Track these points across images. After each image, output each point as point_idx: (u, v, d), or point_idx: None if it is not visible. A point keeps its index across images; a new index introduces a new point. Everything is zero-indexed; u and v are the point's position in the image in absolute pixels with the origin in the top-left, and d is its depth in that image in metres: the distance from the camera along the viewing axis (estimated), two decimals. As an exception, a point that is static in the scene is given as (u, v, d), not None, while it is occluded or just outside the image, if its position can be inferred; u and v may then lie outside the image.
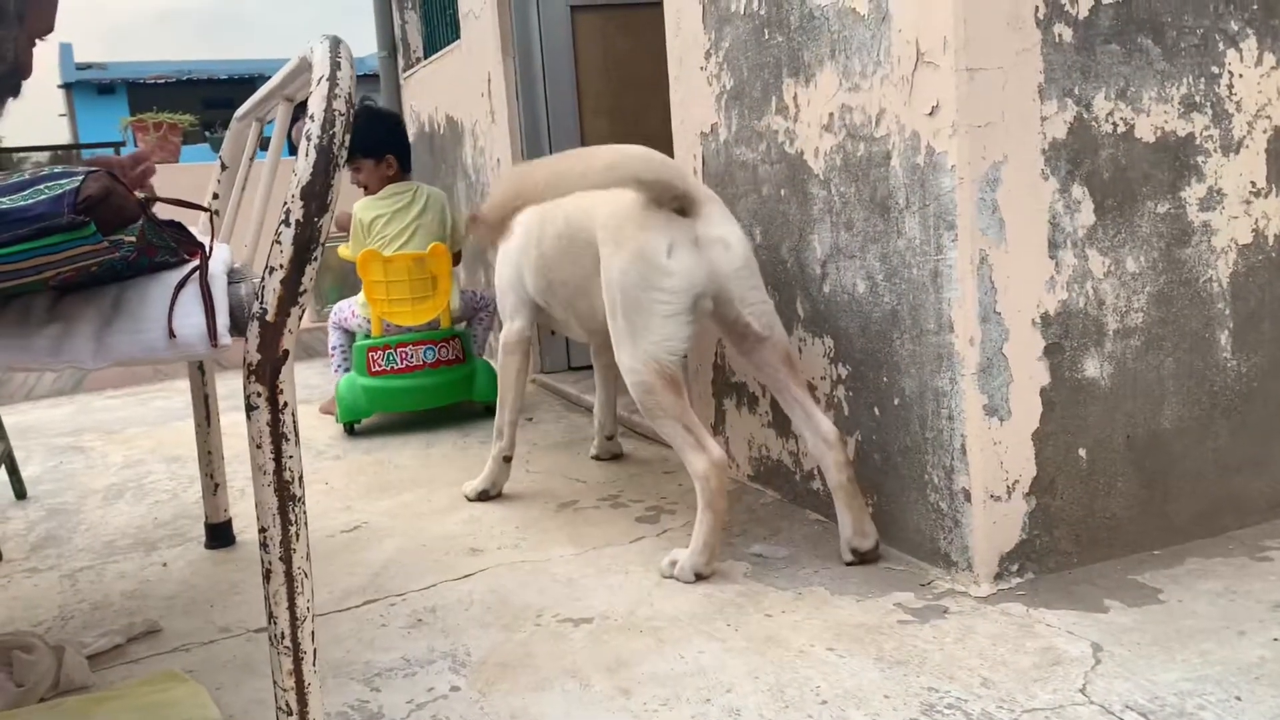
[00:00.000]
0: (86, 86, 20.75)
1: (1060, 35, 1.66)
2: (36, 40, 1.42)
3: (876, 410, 1.91)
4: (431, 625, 1.78)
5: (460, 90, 4.32)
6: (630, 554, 2.05)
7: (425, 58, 5.02)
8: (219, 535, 2.29)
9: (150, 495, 2.80)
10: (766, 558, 1.97)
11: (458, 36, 4.32)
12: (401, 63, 5.30)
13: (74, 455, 3.39)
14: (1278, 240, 1.85)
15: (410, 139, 5.25)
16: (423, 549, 2.18)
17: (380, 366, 3.31)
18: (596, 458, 2.82)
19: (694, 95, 2.42)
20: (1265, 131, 1.82)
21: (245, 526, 2.35)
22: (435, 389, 3.38)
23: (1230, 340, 1.84)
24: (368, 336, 3.39)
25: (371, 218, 3.45)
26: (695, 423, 1.90)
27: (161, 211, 1.22)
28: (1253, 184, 1.82)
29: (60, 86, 20.89)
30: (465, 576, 2.00)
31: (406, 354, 3.33)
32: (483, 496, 2.51)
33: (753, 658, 1.56)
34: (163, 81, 19.95)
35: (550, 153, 3.75)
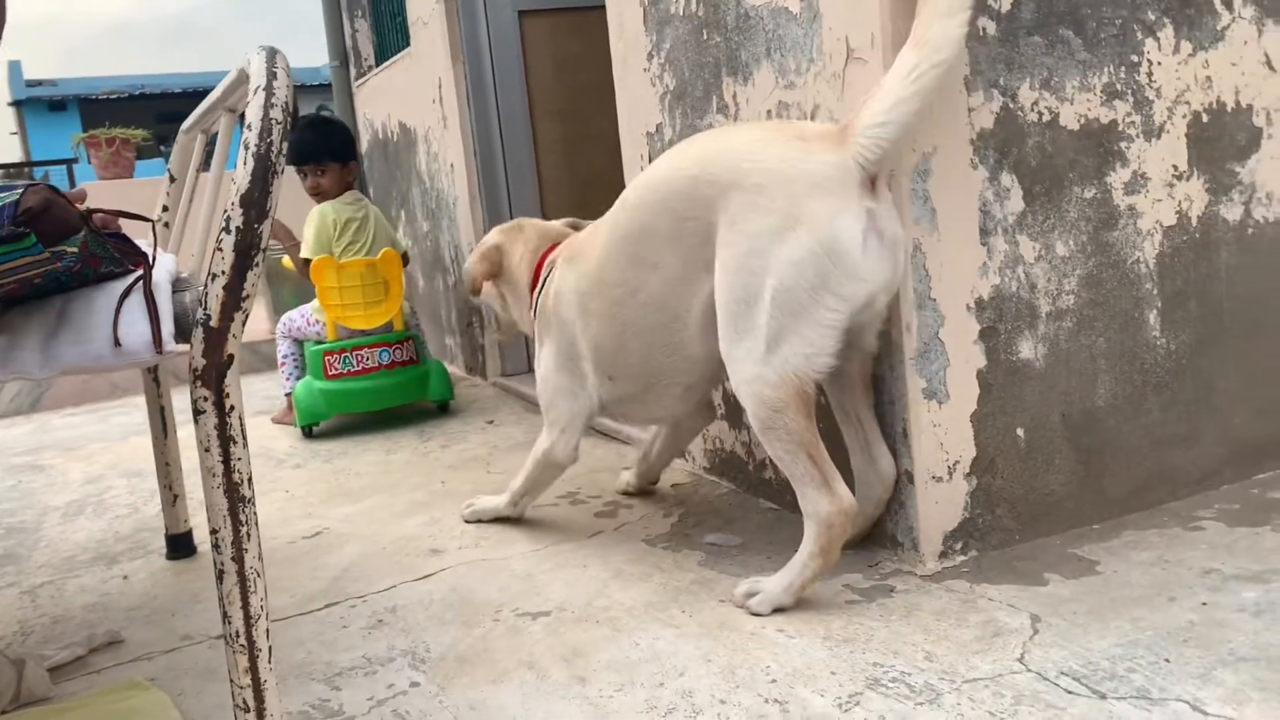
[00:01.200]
0: (37, 104, 20.50)
1: (984, 28, 1.72)
2: None
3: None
4: (392, 625, 1.81)
5: (412, 97, 4.34)
6: (588, 548, 2.09)
7: (377, 66, 5.03)
8: (180, 546, 2.30)
9: (110, 510, 2.80)
10: (721, 546, 2.01)
11: (408, 44, 4.34)
12: (353, 71, 5.31)
13: (33, 474, 3.37)
14: (1200, 221, 1.92)
15: (364, 147, 5.27)
16: (383, 552, 2.20)
17: (337, 369, 3.37)
18: (625, 492, 2.42)
19: (638, 96, 2.46)
20: (1185, 117, 1.89)
21: (206, 537, 2.35)
22: (391, 389, 3.45)
23: (1159, 319, 1.90)
24: (319, 342, 3.44)
25: (346, 218, 3.51)
26: (824, 456, 1.62)
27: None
28: (1174, 168, 1.89)
29: (10, 104, 20.62)
30: (425, 577, 2.02)
31: (362, 356, 3.39)
32: (479, 519, 2.32)
33: (705, 642, 1.60)
34: (115, 96, 19.74)
35: (503, 157, 3.79)
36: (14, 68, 20.51)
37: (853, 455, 1.80)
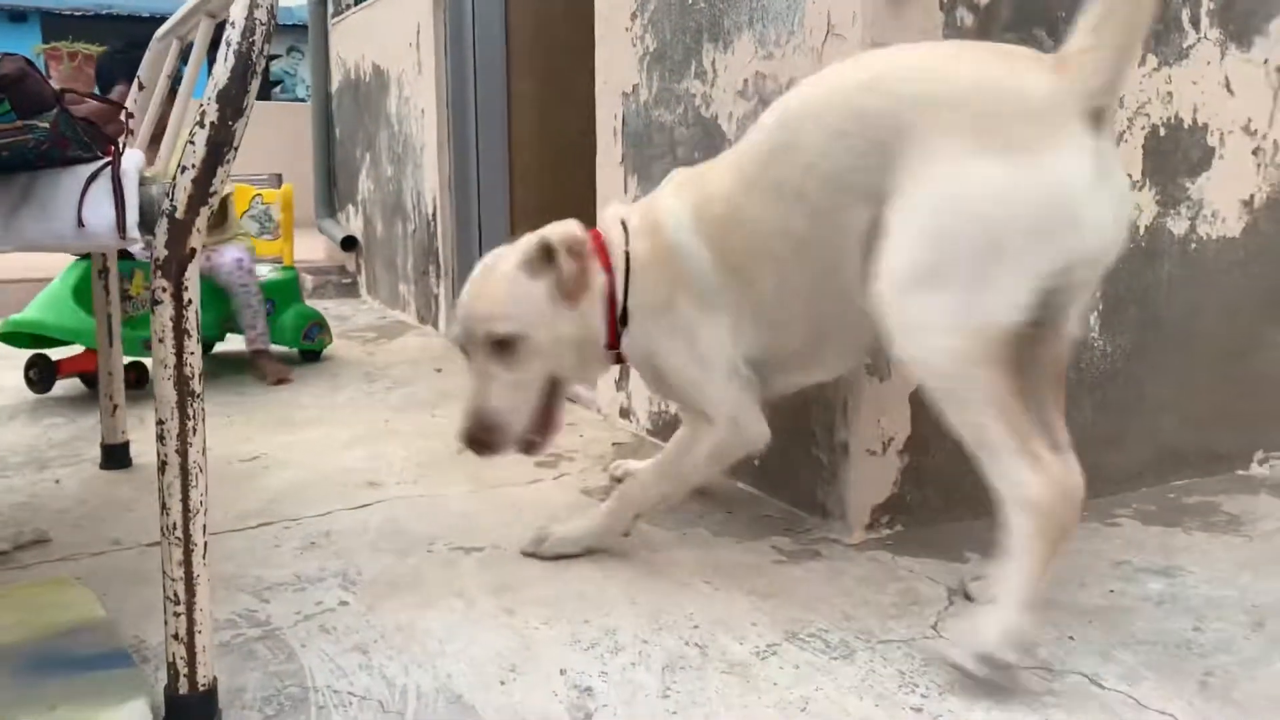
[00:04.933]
0: (-3, 12, 19.87)
1: (962, 19, 1.76)
2: None
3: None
4: (325, 548, 1.82)
5: (389, 39, 4.30)
6: (527, 494, 2.11)
7: (355, 5, 4.97)
8: (115, 456, 2.28)
9: (46, 417, 2.76)
10: (656, 503, 2.04)
11: (390, -15, 4.30)
12: (331, 9, 5.24)
13: (-34, 377, 3.31)
14: (1148, 231, 1.99)
15: (335, 86, 5.21)
16: (322, 480, 2.21)
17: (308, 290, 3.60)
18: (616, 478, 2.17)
19: (618, 56, 2.47)
20: (1143, 128, 1.95)
21: (142, 452, 2.34)
22: None
23: (1098, 322, 1.97)
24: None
25: None
26: (1024, 423, 1.31)
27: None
28: (1129, 176, 1.95)
29: (-32, 10, 19.97)
30: (362, 506, 2.04)
31: None
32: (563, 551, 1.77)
33: (633, 587, 1.63)
34: (80, 14, 19.20)
35: (476, 108, 3.78)
36: (-25, -26, 19.84)
37: None
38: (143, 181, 1.26)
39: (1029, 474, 1.29)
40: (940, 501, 1.87)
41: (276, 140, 6.97)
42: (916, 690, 1.32)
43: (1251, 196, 2.10)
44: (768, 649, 1.43)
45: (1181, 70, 1.96)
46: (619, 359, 1.77)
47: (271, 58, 13.70)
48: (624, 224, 1.73)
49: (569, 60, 3.68)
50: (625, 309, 1.70)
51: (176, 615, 1.20)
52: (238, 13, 1.16)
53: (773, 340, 1.64)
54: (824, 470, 1.86)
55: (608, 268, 1.70)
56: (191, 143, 1.13)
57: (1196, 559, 1.73)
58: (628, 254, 1.69)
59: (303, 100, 10.82)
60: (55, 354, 3.05)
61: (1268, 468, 2.20)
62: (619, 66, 2.47)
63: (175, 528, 1.19)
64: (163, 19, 2.12)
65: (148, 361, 2.99)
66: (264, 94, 12.27)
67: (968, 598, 1.58)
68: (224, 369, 3.38)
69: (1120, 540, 1.82)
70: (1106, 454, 2.02)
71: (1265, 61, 2.05)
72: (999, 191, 1.27)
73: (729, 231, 1.60)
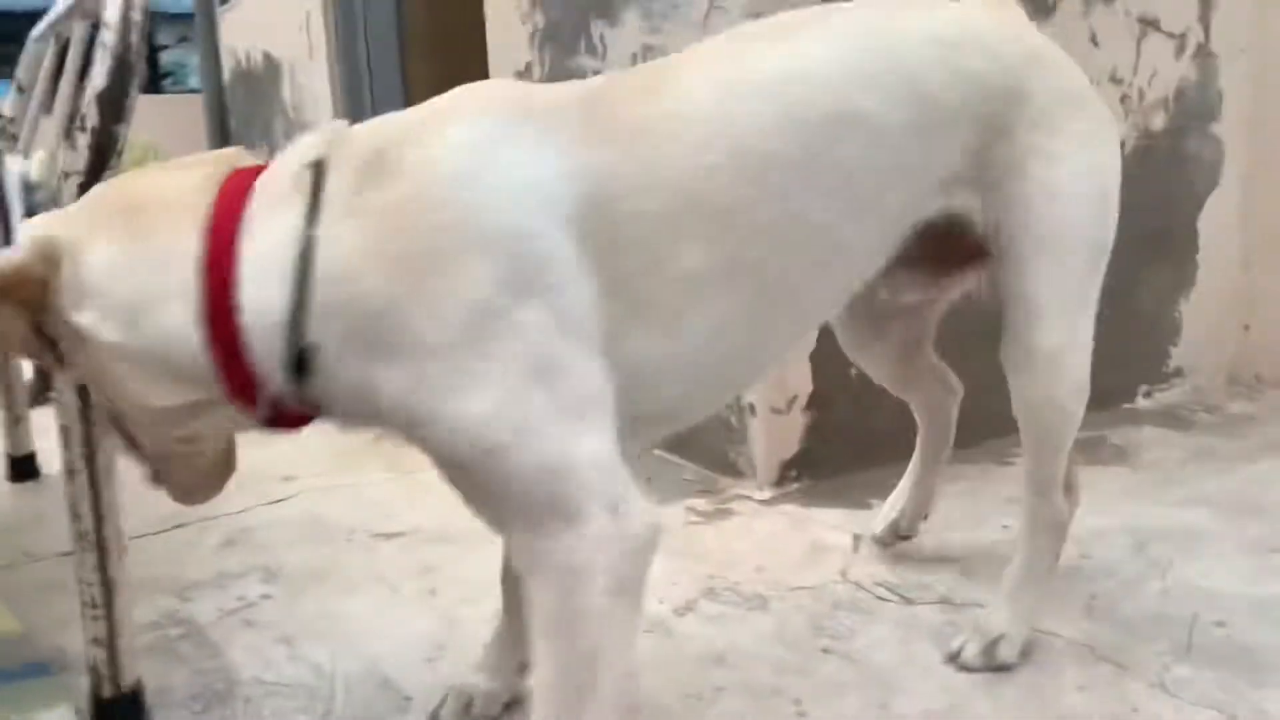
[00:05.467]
0: None
1: (838, -13, 1.81)
2: None
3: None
4: (244, 544, 1.82)
5: (279, 26, 4.23)
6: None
7: (242, -8, 4.87)
8: (22, 468, 2.24)
9: (-55, 434, 2.69)
10: (574, 475, 2.09)
11: (276, -29, 4.22)
12: (217, -3, 5.12)
13: None
14: (1026, 182, 2.08)
15: (227, 77, 5.10)
16: (237, 476, 2.19)
17: None
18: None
19: (510, 34, 2.48)
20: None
21: (50, 461, 2.30)
22: None
23: (985, 271, 2.05)
24: None
25: None
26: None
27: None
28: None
29: None
30: (279, 500, 2.04)
31: None
32: None
33: (554, 559, 1.68)
34: (-50, 11, 18.34)
35: (371, 89, 3.74)
36: None
37: (922, 406, 1.60)
38: (28, 189, 1.25)
39: (1062, 503, 1.34)
40: (845, 453, 1.95)
41: (170, 134, 6.77)
42: (825, 632, 1.38)
43: (1123, 143, 2.19)
44: (686, 606, 1.48)
45: (1049, 27, 2.05)
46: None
47: (160, 48, 13.24)
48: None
49: (464, 40, 3.67)
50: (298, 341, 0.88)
51: (95, 619, 1.21)
52: (112, 14, 1.16)
53: (675, 384, 0.98)
54: (734, 431, 1.92)
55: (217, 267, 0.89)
56: (73, 147, 1.13)
57: (1084, 491, 1.82)
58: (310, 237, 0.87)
59: (197, 91, 10.52)
60: None
61: (1151, 401, 2.33)
62: (511, 45, 2.48)
63: (88, 534, 1.19)
64: (37, 13, 2.06)
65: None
66: (154, 87, 11.88)
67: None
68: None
69: (1013, 478, 1.89)
70: (1002, 399, 2.11)
71: (1127, 13, 2.15)
72: (1109, 179, 1.19)
73: (680, 231, 0.91)
